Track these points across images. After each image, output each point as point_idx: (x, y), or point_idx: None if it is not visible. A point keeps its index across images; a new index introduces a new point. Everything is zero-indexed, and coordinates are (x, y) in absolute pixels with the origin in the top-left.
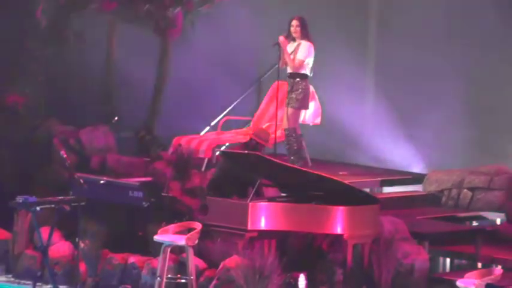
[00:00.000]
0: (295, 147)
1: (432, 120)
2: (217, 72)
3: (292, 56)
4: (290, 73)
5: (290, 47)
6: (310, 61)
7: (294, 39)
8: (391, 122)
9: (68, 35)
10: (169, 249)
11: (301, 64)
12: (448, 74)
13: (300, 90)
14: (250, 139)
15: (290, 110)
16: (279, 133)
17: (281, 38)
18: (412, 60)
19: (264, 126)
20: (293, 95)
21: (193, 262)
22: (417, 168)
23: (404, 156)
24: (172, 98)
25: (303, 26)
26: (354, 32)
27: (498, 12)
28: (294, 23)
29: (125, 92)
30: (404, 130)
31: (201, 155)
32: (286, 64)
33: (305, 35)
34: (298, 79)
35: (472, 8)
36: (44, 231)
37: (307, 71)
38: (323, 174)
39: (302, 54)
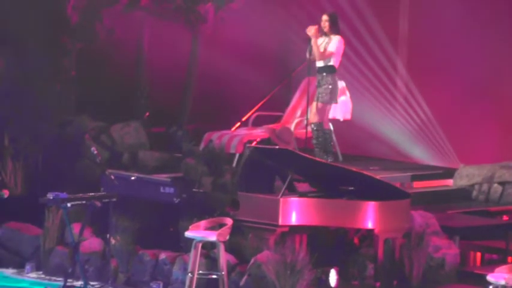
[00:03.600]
0: (322, 141)
1: (463, 114)
2: (248, 67)
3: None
4: (318, 67)
5: (319, 41)
6: (339, 54)
7: (325, 34)
8: (422, 117)
9: (98, 30)
10: (200, 245)
11: (330, 55)
12: (480, 69)
13: (327, 84)
14: (269, 138)
15: (318, 105)
16: (309, 128)
17: (311, 28)
18: (444, 55)
19: (295, 122)
20: (321, 90)
21: (224, 258)
22: (448, 162)
23: (435, 150)
24: (204, 94)
25: (333, 21)
26: (385, 25)
27: None
28: (324, 18)
29: (156, 88)
30: (435, 124)
31: (232, 151)
32: (311, 54)
33: (335, 30)
34: (324, 74)
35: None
36: (75, 228)
37: (334, 63)
38: (353, 169)
39: (333, 46)
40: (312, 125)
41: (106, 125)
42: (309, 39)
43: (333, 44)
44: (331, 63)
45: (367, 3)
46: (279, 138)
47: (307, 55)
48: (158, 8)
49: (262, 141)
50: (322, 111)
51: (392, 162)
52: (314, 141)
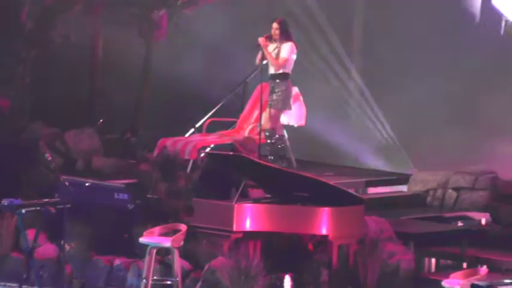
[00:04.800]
0: (276, 148)
1: (417, 120)
2: (202, 73)
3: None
4: (271, 74)
5: (271, 49)
6: (292, 59)
7: (275, 41)
8: (376, 123)
9: (53, 37)
10: (154, 251)
11: (285, 62)
12: (433, 75)
13: (280, 91)
14: (234, 147)
15: (271, 111)
16: (263, 135)
17: (260, 39)
18: (398, 62)
19: (248, 128)
20: (274, 96)
21: (178, 264)
22: (402, 168)
23: (389, 156)
24: (157, 100)
25: (283, 28)
26: (339, 31)
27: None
28: (274, 25)
29: (110, 94)
30: (390, 130)
31: (186, 157)
32: (262, 61)
33: (285, 37)
34: (278, 80)
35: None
36: (30, 234)
37: (289, 69)
38: (308, 175)
39: (285, 52)
40: (265, 132)
41: (60, 131)
42: (258, 46)
43: (285, 50)
44: (285, 70)
45: (321, 8)
46: (243, 147)
47: (257, 62)
48: (112, 15)
49: (217, 147)
50: (275, 118)
51: (346, 168)
52: (267, 148)
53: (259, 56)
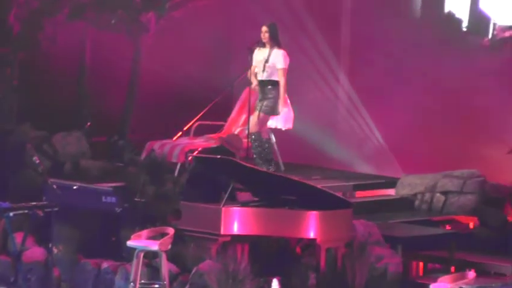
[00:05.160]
0: (263, 151)
1: (405, 124)
2: (190, 76)
3: (264, 63)
4: (261, 80)
5: (262, 54)
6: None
7: (264, 45)
8: (364, 127)
9: (40, 39)
10: (142, 255)
11: (285, 73)
12: (420, 78)
13: (272, 97)
14: (221, 145)
15: (260, 115)
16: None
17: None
18: (387, 66)
19: (236, 132)
20: (265, 102)
21: (166, 267)
22: (390, 172)
23: (377, 160)
24: (145, 103)
25: (272, 32)
26: (327, 36)
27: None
28: (264, 29)
29: (98, 97)
30: (377, 133)
31: (174, 160)
32: (254, 74)
33: (275, 41)
34: (269, 86)
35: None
36: (18, 237)
37: (279, 77)
38: (295, 179)
39: (282, 62)
40: (252, 135)
41: (48, 134)
42: (250, 52)
43: (281, 60)
44: (275, 78)
45: (309, 13)
46: (229, 144)
47: (248, 75)
48: (100, 17)
49: (205, 150)
50: (262, 122)
51: (334, 172)
52: (254, 151)
53: (251, 70)
